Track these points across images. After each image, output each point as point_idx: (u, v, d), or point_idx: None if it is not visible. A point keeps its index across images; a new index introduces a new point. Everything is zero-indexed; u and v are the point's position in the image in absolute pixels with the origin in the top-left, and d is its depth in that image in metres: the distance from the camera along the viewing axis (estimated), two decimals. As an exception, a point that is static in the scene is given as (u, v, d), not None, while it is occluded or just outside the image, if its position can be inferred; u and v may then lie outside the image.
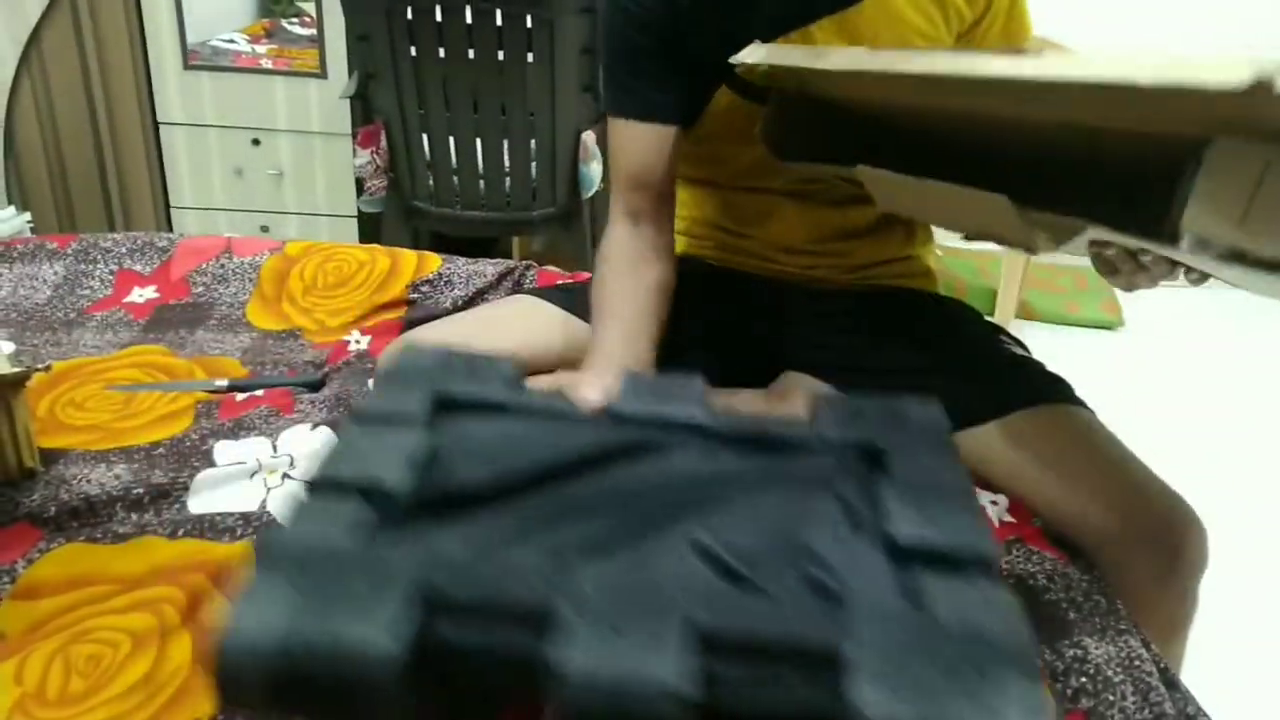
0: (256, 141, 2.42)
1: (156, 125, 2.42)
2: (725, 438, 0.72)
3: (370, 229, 2.38)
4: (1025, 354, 1.06)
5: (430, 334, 0.97)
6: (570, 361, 1.01)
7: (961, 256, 2.86)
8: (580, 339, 1.04)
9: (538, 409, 0.72)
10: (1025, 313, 2.69)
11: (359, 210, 2.38)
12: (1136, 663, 0.74)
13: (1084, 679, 0.72)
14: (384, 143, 2.05)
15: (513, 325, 1.00)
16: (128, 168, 2.46)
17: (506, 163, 1.97)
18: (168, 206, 2.51)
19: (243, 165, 2.45)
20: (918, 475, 0.68)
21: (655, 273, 0.99)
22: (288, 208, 2.49)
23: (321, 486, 0.60)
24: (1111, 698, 0.70)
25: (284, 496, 0.89)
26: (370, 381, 1.08)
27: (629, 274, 0.99)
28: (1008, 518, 0.92)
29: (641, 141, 1.00)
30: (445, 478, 0.63)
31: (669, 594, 0.54)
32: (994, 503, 0.94)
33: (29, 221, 2.28)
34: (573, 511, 0.62)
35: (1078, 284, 2.91)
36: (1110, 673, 0.73)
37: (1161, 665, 0.76)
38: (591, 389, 0.71)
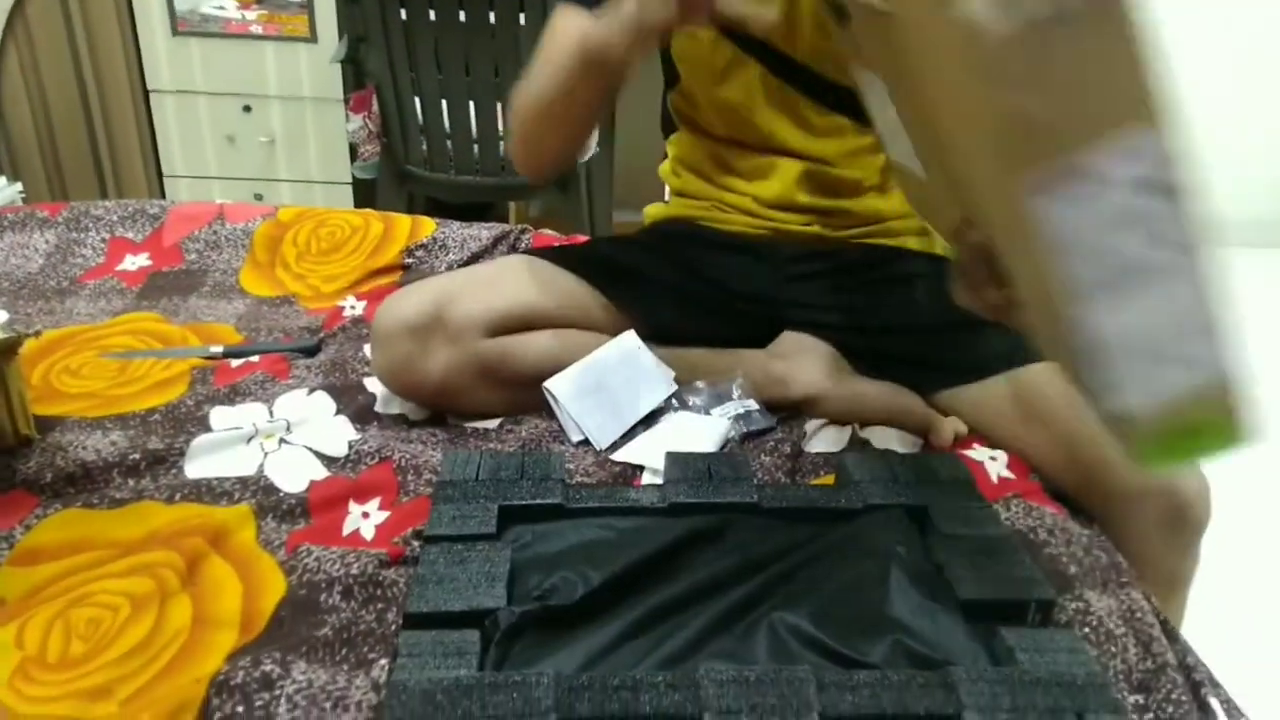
0: (248, 108, 2.39)
1: (146, 93, 2.38)
2: (779, 513, 0.74)
3: (365, 195, 2.36)
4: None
5: (421, 290, 0.96)
6: (564, 319, 1.00)
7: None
8: (574, 296, 1.03)
9: (595, 506, 0.77)
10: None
11: (353, 176, 2.35)
12: (1138, 615, 0.74)
13: (1087, 630, 0.72)
14: (376, 107, 2.02)
15: (505, 282, 0.99)
16: (118, 136, 2.44)
17: (500, 126, 1.95)
18: (160, 175, 2.48)
19: (234, 132, 2.42)
20: (963, 529, 0.75)
21: None
22: (281, 175, 2.46)
23: (427, 620, 0.62)
24: (1114, 649, 0.70)
25: (282, 462, 0.88)
26: (366, 347, 1.07)
27: None
28: (1006, 473, 0.92)
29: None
30: (535, 592, 0.65)
31: (794, 686, 0.58)
32: (992, 459, 0.94)
33: (20, 192, 2.26)
34: (666, 611, 0.67)
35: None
36: (1112, 625, 0.72)
37: (1162, 618, 0.76)
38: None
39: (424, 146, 1.99)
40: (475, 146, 1.97)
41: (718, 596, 0.67)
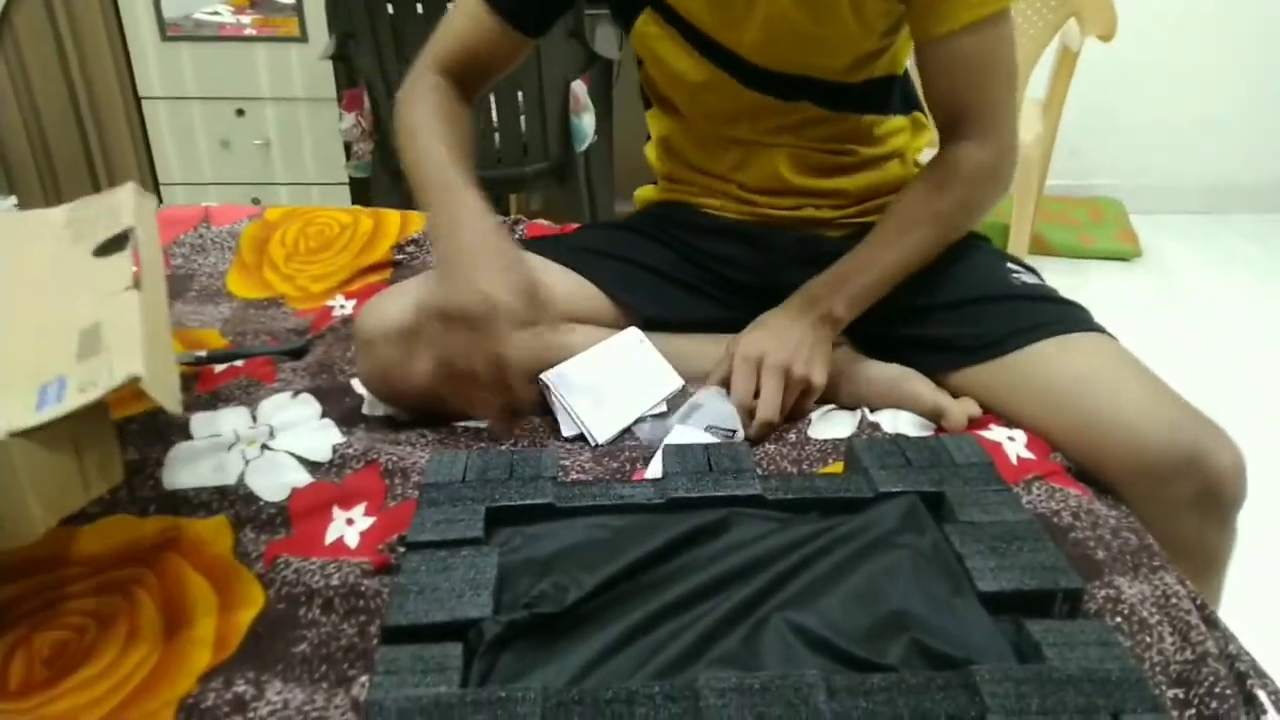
0: (241, 112, 2.36)
1: (138, 100, 2.35)
2: (784, 505, 0.70)
3: (361, 195, 2.32)
4: (1039, 281, 1.00)
5: (405, 292, 0.92)
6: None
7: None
8: (566, 290, 0.98)
9: (588, 505, 0.72)
10: (1039, 247, 2.62)
11: (349, 176, 2.32)
12: (1173, 601, 0.69)
13: (1119, 619, 0.67)
14: (368, 105, 1.98)
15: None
16: (112, 145, 2.41)
17: (494, 117, 1.91)
18: (156, 183, 2.46)
19: (228, 137, 2.38)
20: (983, 516, 0.70)
21: (468, 130, 0.98)
22: (277, 177, 2.43)
23: (406, 633, 0.58)
24: (1149, 639, 0.65)
25: (263, 469, 0.84)
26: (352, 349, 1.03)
27: (453, 123, 0.95)
28: (1026, 454, 0.87)
29: (475, 27, 0.96)
30: (523, 599, 0.61)
31: (801, 693, 0.54)
32: (1011, 439, 0.89)
33: (15, 204, 2.24)
34: (664, 615, 0.63)
35: (1092, 216, 2.82)
36: (1146, 613, 0.68)
37: (1199, 602, 0.71)
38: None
39: (417, 142, 1.94)
40: (470, 139, 1.93)
41: (719, 597, 0.63)
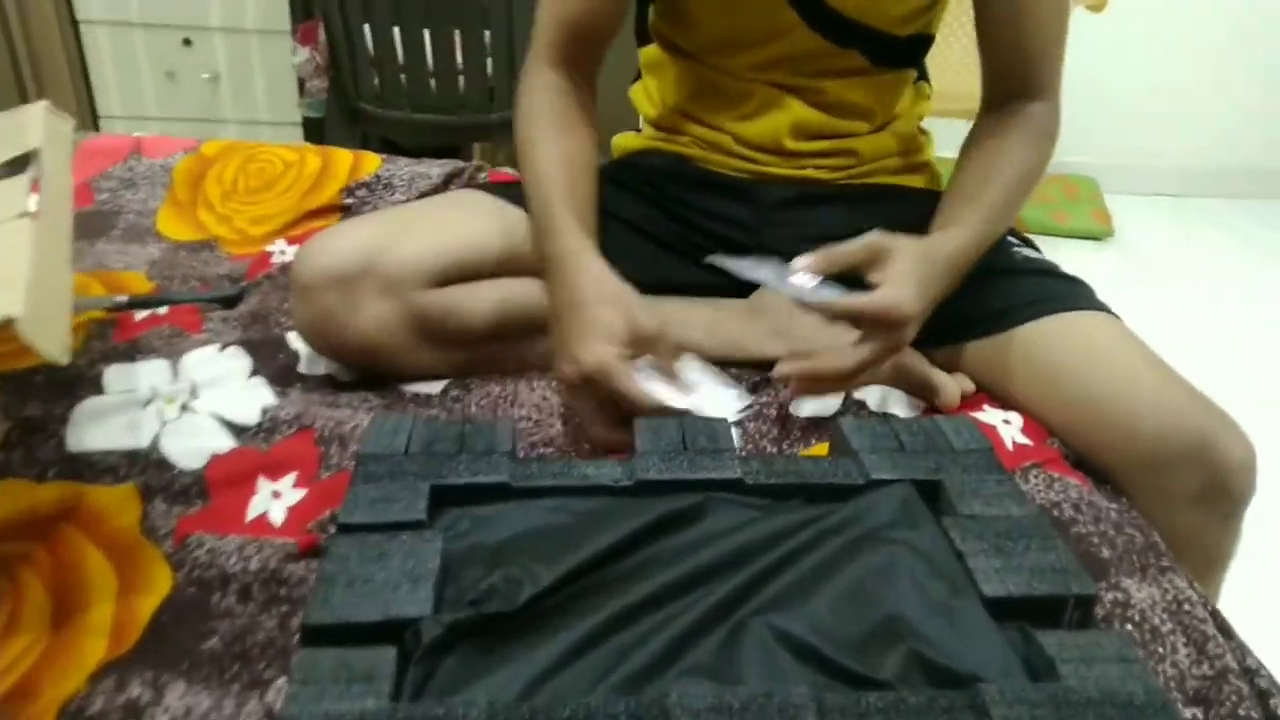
0: (188, 41, 2.21)
1: (76, 24, 2.20)
2: (766, 491, 0.64)
3: (316, 137, 2.19)
4: (1039, 255, 0.94)
5: (351, 232, 0.82)
6: (512, 263, 0.87)
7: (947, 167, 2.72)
8: (532, 239, 0.89)
9: (548, 485, 0.63)
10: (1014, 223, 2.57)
11: (302, 116, 2.19)
12: (1185, 607, 0.63)
13: (1129, 627, 0.61)
14: (323, 38, 1.86)
15: (450, 222, 0.86)
16: (46, 73, 2.24)
17: (459, 58, 1.79)
18: (94, 116, 2.30)
19: (174, 68, 2.24)
20: (984, 510, 0.62)
21: (588, 134, 0.90)
22: (225, 115, 2.29)
23: (331, 633, 0.49)
24: (1161, 650, 0.59)
25: (181, 431, 0.75)
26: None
27: (566, 134, 0.88)
28: (1022, 439, 0.80)
29: None
30: (469, 594, 0.52)
31: (788, 714, 0.47)
32: (1006, 422, 0.82)
33: (-63, 133, 2.08)
34: (631, 616, 0.54)
35: (1067, 193, 2.78)
36: (1157, 620, 0.61)
37: (1211, 609, 0.65)
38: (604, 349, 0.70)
39: (375, 80, 1.83)
40: (432, 80, 1.82)
41: (693, 596, 0.55)
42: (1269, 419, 0.77)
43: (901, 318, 0.72)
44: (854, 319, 0.74)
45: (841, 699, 0.48)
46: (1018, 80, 0.88)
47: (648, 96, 1.00)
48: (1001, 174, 0.86)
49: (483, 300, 0.85)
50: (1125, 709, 0.48)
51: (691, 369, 0.80)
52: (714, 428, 0.69)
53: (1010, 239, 0.94)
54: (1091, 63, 2.70)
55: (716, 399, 0.80)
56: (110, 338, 0.88)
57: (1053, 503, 0.73)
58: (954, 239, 0.81)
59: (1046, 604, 0.56)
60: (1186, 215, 2.84)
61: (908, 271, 0.74)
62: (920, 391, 0.85)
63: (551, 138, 0.87)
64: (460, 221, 0.87)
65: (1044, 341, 0.82)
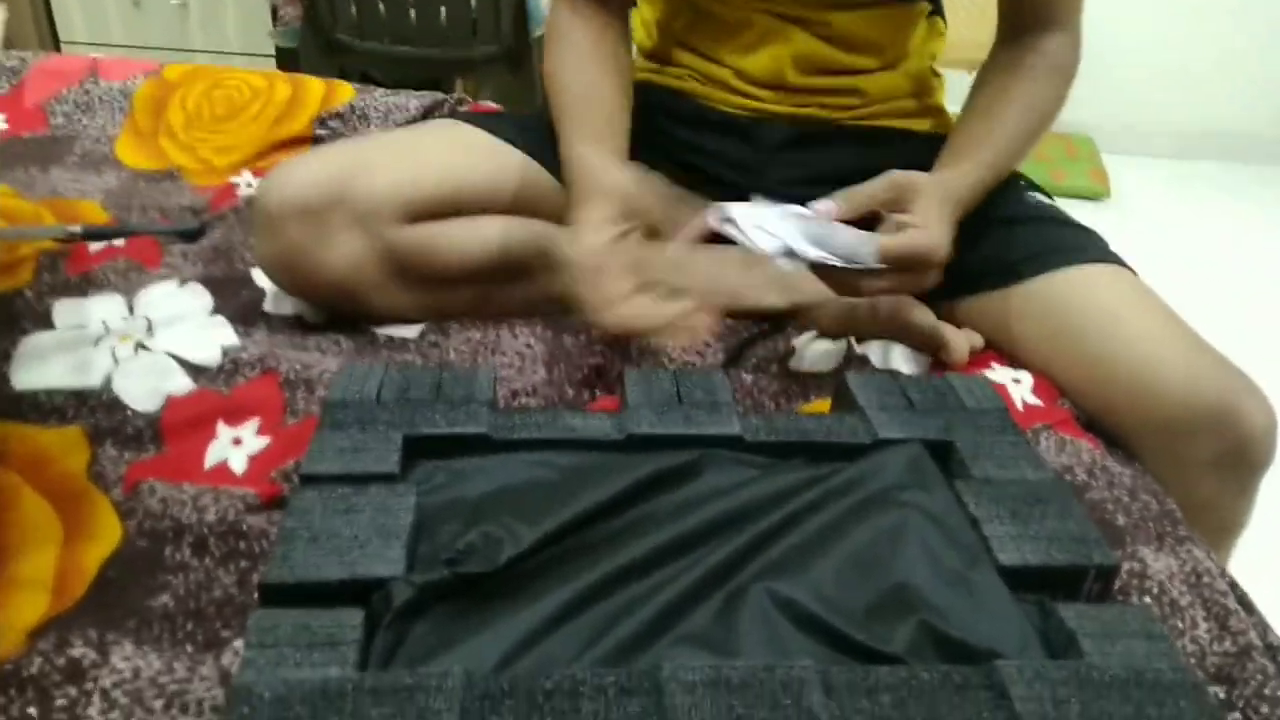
0: (155, -36, 2.11)
1: (35, -58, 2.09)
2: (767, 449, 0.60)
3: (290, 70, 2.10)
4: (1049, 202, 0.89)
5: (321, 159, 0.76)
6: (497, 198, 0.81)
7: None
8: (516, 173, 0.84)
9: (530, 438, 0.58)
10: (1010, 179, 2.53)
11: (276, 47, 2.09)
12: (1205, 580, 0.60)
13: (1147, 599, 0.57)
14: (298, -37, 1.77)
15: (428, 152, 0.80)
16: (4, -7, 2.13)
17: (441, -13, 1.71)
18: (56, 42, 2.20)
19: (141, -7, 2.14)
20: (999, 473, 0.58)
21: (624, 58, 0.86)
22: (194, 45, 2.19)
23: (292, 593, 0.45)
24: (1180, 625, 0.56)
25: (136, 371, 0.70)
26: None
27: (596, 58, 0.84)
28: (1033, 399, 0.76)
29: None
30: (445, 553, 0.47)
31: (791, 689, 0.43)
32: (1016, 381, 0.78)
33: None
34: (620, 580, 0.49)
35: (1066, 152, 2.73)
36: (1176, 593, 0.58)
37: (1230, 581, 0.62)
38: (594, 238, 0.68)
39: (352, 9, 1.74)
40: (412, 11, 1.73)
41: (688, 559, 0.51)
42: (1268, 384, 0.75)
43: (941, 260, 0.71)
44: (890, 262, 0.69)
45: (849, 674, 0.44)
46: (1034, 8, 0.83)
47: (642, 24, 0.94)
48: (1015, 110, 0.82)
49: (465, 238, 0.79)
50: (1153, 689, 0.45)
51: (769, 216, 0.69)
52: (712, 380, 0.64)
53: (1024, 183, 0.89)
54: (1092, 20, 2.64)
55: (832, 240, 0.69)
56: (62, 270, 0.82)
57: (1065, 467, 0.69)
58: (967, 177, 0.77)
59: (1066, 574, 0.53)
60: (1183, 177, 2.80)
61: (936, 212, 0.71)
62: (927, 346, 0.80)
63: (572, 64, 0.84)
64: (440, 152, 0.82)
65: (1058, 296, 0.78)
